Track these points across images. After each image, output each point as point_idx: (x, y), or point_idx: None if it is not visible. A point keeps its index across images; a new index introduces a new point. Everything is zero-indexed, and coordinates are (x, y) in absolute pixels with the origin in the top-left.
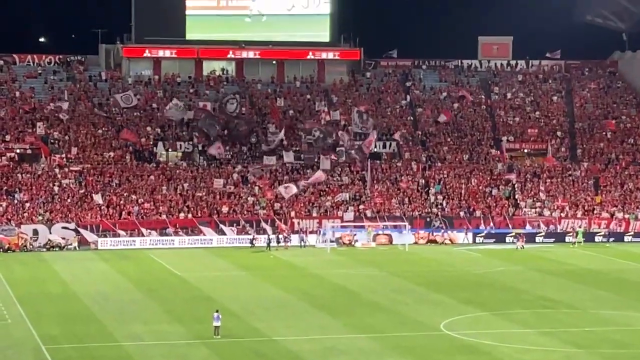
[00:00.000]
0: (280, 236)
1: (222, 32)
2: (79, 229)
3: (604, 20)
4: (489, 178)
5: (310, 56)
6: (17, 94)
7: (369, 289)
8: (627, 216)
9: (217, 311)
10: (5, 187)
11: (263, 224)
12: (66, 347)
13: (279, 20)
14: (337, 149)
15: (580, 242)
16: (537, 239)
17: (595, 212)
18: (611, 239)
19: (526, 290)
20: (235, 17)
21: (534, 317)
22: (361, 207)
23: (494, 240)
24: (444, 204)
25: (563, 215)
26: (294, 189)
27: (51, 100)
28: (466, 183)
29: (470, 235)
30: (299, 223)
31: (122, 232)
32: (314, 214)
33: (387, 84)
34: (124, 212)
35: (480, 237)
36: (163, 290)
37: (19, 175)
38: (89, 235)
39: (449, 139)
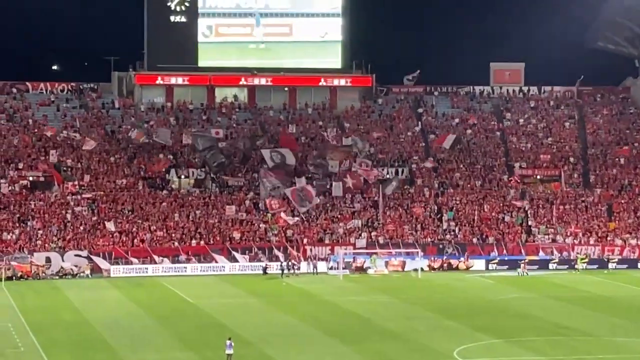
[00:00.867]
0: (291, 263)
1: (234, 59)
2: (91, 256)
3: (616, 47)
4: (501, 204)
5: (322, 83)
6: (30, 121)
7: (381, 316)
8: None
9: (229, 339)
10: (18, 215)
11: (275, 251)
12: None
13: (291, 47)
14: (348, 175)
15: (583, 268)
16: (551, 266)
17: (608, 238)
18: (624, 266)
19: (540, 317)
20: (247, 44)
21: (547, 344)
22: (373, 233)
23: (507, 266)
24: (457, 231)
25: (576, 241)
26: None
27: (64, 127)
28: (479, 209)
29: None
30: (311, 250)
31: (134, 260)
32: (327, 241)
33: (399, 111)
34: (136, 240)
35: (494, 263)
36: (175, 318)
37: (32, 202)
38: (102, 263)
39: (461, 165)
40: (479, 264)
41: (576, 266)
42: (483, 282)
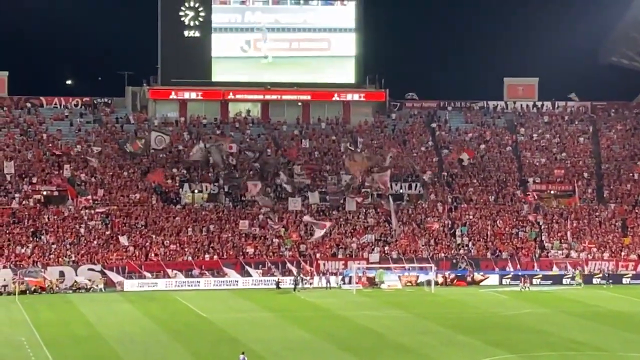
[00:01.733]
0: (300, 277)
1: (247, 73)
2: (105, 270)
3: (629, 62)
4: (515, 219)
5: (335, 98)
6: (44, 136)
7: (394, 331)
8: None
9: (242, 353)
10: (32, 229)
11: (289, 266)
12: None
13: (305, 62)
14: (363, 190)
15: (580, 283)
16: (564, 281)
17: (623, 254)
18: (638, 281)
19: (553, 332)
20: (261, 58)
21: (561, 359)
22: (387, 248)
23: (518, 282)
24: (470, 246)
25: (590, 257)
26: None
27: (78, 142)
28: (492, 224)
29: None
30: (324, 264)
31: (147, 274)
32: (340, 256)
33: (412, 125)
34: (150, 254)
35: (507, 278)
36: (188, 332)
37: (46, 217)
38: (115, 277)
39: (474, 180)
40: (492, 278)
41: (574, 282)
42: (496, 297)
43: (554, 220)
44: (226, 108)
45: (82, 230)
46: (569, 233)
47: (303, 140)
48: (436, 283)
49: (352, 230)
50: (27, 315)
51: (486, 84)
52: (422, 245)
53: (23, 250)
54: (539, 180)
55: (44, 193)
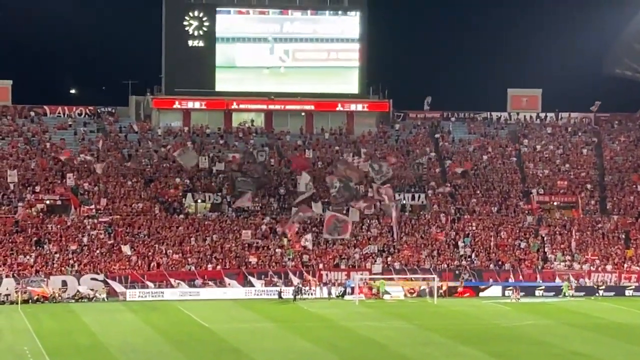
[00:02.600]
0: (299, 287)
1: (251, 83)
2: (107, 280)
3: (633, 73)
4: (518, 231)
5: (339, 108)
6: (48, 145)
7: (397, 342)
8: None
9: None
10: (35, 238)
11: (291, 276)
12: None
13: (308, 72)
14: (366, 200)
15: (570, 294)
16: (567, 293)
17: (625, 265)
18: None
19: (556, 344)
20: (264, 68)
21: None
22: (389, 259)
23: (523, 293)
24: (473, 257)
25: (593, 268)
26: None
27: (81, 151)
28: (495, 236)
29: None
30: (327, 275)
31: (150, 284)
32: (342, 266)
33: (416, 136)
34: (152, 263)
35: (510, 290)
36: (191, 342)
37: (49, 226)
38: (118, 287)
39: (478, 191)
40: (495, 290)
41: (566, 292)
42: (499, 309)
43: (557, 232)
44: (230, 118)
45: (84, 240)
46: (572, 244)
47: (307, 150)
48: (441, 295)
49: (355, 241)
50: (29, 325)
51: (490, 95)
52: (425, 256)
53: (26, 260)
54: (542, 192)
55: (47, 202)
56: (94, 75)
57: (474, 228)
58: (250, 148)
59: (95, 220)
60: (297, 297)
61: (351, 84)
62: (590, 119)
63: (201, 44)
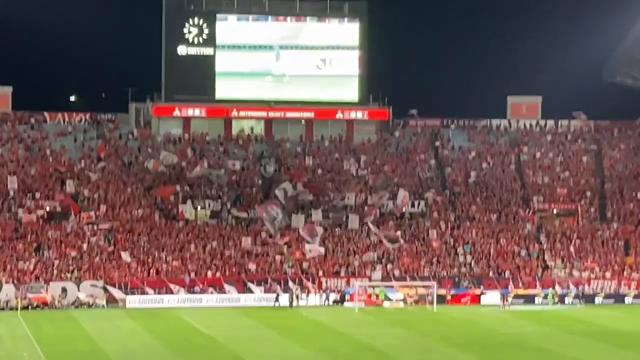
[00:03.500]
0: (296, 294)
1: (251, 91)
2: (107, 286)
3: (633, 81)
4: (517, 238)
5: (339, 115)
6: (48, 152)
7: (396, 349)
8: None
9: None
10: (35, 245)
11: (290, 283)
12: None
13: (308, 80)
14: (366, 207)
15: (555, 302)
16: (567, 300)
17: (625, 273)
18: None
19: (556, 351)
20: (264, 76)
21: None
22: (389, 266)
23: (523, 300)
24: (473, 264)
25: (593, 276)
26: (318, 250)
27: (81, 158)
28: (495, 243)
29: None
30: (326, 282)
31: (150, 290)
32: (342, 274)
33: (415, 144)
34: (152, 270)
35: (509, 297)
36: (191, 349)
37: (49, 232)
38: (117, 293)
39: (477, 199)
40: (494, 297)
41: (546, 300)
42: (499, 316)
43: (557, 239)
44: (230, 125)
45: (84, 246)
46: (572, 252)
47: (306, 158)
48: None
49: (355, 248)
50: (29, 331)
51: (489, 103)
52: (424, 263)
53: (25, 266)
54: (541, 199)
55: (47, 208)
56: (94, 82)
57: (473, 235)
58: (249, 155)
59: (95, 227)
60: (292, 303)
61: (351, 92)
62: (590, 126)
63: (201, 51)
